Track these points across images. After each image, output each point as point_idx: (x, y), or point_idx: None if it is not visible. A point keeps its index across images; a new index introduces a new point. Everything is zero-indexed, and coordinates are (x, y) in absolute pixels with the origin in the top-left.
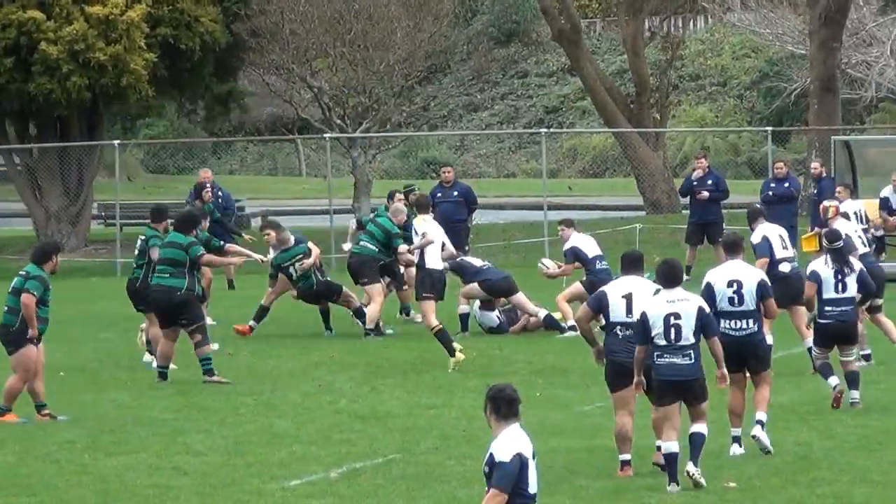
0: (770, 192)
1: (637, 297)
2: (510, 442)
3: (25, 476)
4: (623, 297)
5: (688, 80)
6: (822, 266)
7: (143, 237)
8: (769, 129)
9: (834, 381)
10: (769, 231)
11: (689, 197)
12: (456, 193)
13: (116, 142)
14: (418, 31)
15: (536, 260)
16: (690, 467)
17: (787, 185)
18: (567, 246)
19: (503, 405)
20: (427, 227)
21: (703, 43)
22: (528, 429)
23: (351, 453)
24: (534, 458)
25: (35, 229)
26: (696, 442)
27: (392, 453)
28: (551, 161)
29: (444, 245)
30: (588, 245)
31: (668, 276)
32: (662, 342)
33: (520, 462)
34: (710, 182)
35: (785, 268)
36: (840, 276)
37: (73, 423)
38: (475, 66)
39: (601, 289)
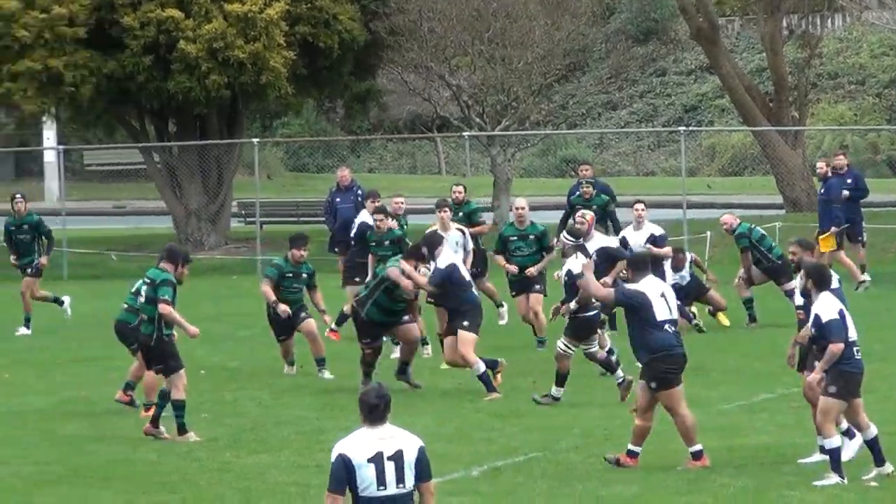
0: None
1: (669, 294)
2: (341, 442)
3: (167, 473)
4: (661, 296)
5: (826, 78)
6: None
7: None
8: None
9: None
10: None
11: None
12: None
13: (255, 140)
14: (556, 29)
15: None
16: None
17: None
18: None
19: (363, 408)
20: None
21: (842, 41)
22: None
23: (491, 451)
24: (391, 459)
25: (175, 227)
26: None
27: (533, 451)
28: (690, 159)
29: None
30: None
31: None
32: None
33: (342, 462)
34: (849, 181)
35: None
36: None
37: (214, 421)
38: (613, 64)
39: (637, 289)
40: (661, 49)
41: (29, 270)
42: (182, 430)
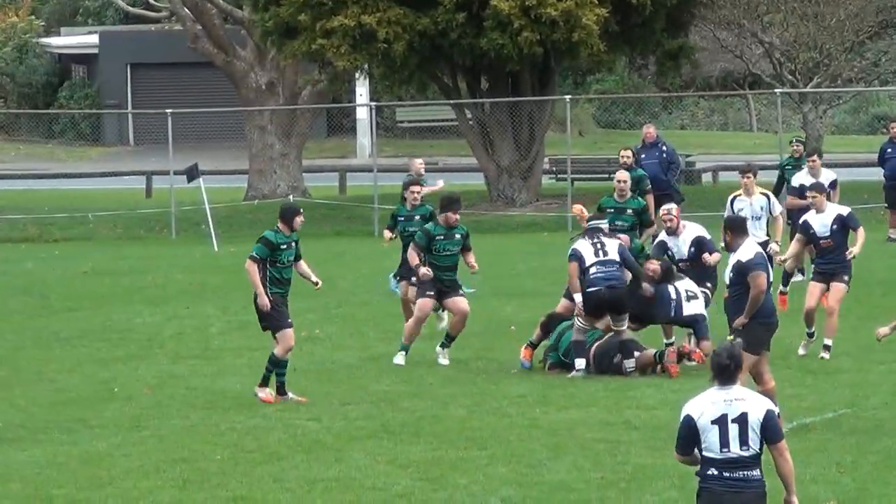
0: None
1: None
2: (689, 402)
3: (477, 429)
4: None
5: None
6: None
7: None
8: None
9: None
10: None
11: None
12: None
13: (567, 97)
14: None
15: None
16: None
17: None
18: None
19: (714, 367)
20: None
21: None
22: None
23: (801, 408)
24: (735, 422)
25: (487, 184)
26: None
27: (842, 408)
28: None
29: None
30: None
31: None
32: None
33: (687, 424)
34: None
35: None
36: None
37: (523, 377)
38: None
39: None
40: None
41: None
42: (281, 390)
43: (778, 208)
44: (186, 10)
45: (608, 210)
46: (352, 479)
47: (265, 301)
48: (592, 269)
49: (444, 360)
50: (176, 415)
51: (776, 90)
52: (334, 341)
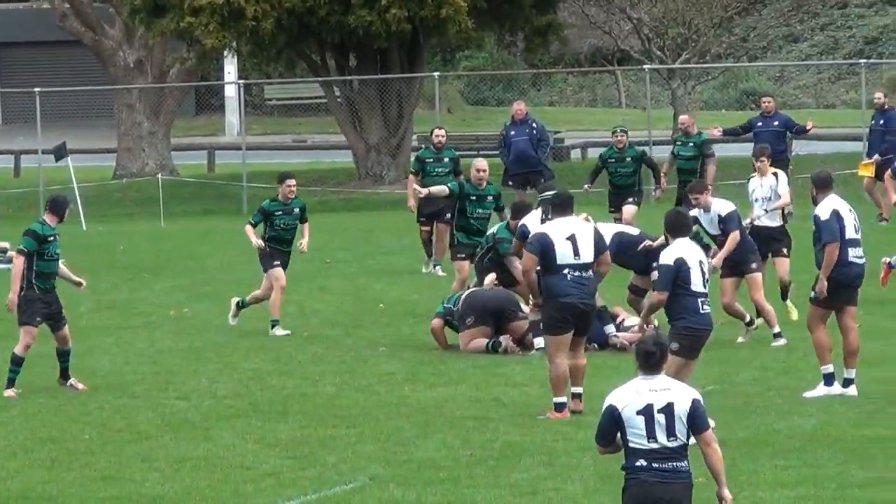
0: None
1: (581, 235)
2: (613, 392)
3: (345, 407)
4: (567, 239)
5: None
6: None
7: None
8: None
9: None
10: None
11: None
12: (777, 123)
13: (436, 74)
14: None
15: (855, 191)
16: None
17: None
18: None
19: (639, 356)
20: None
21: None
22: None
23: None
24: (662, 412)
25: (355, 161)
26: None
27: (711, 384)
28: (871, 92)
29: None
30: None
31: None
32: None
33: (610, 414)
34: None
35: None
36: None
37: (391, 354)
38: None
39: (542, 230)
40: None
41: None
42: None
43: (785, 187)
44: None
45: (609, 160)
46: (220, 457)
47: (14, 300)
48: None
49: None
50: (44, 394)
51: (645, 66)
52: (203, 319)
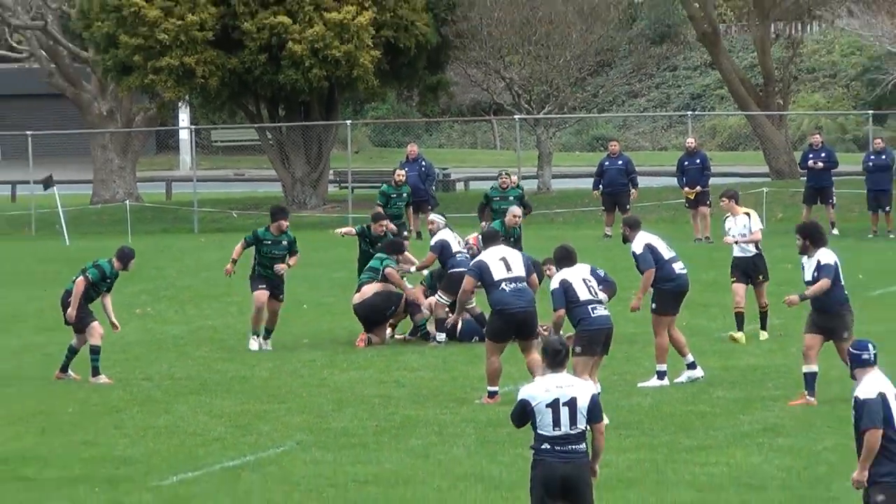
0: (870, 163)
1: (511, 258)
2: (525, 387)
3: (276, 388)
4: (500, 259)
5: (805, 72)
6: None
7: None
8: (870, 112)
9: None
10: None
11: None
12: (620, 163)
13: (349, 122)
14: (590, 33)
15: (686, 217)
16: None
17: (883, 157)
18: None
19: (547, 353)
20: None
21: (818, 43)
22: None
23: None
24: (566, 405)
25: (283, 191)
26: None
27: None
28: (695, 137)
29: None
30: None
31: (564, 258)
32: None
33: (522, 406)
34: (823, 154)
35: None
36: None
37: (313, 345)
38: (635, 61)
39: (478, 258)
40: (673, 49)
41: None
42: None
43: (757, 226)
44: (42, 51)
45: (494, 198)
46: (177, 426)
47: (73, 314)
48: (503, 285)
49: (260, 346)
50: (36, 376)
51: (515, 116)
52: (163, 317)
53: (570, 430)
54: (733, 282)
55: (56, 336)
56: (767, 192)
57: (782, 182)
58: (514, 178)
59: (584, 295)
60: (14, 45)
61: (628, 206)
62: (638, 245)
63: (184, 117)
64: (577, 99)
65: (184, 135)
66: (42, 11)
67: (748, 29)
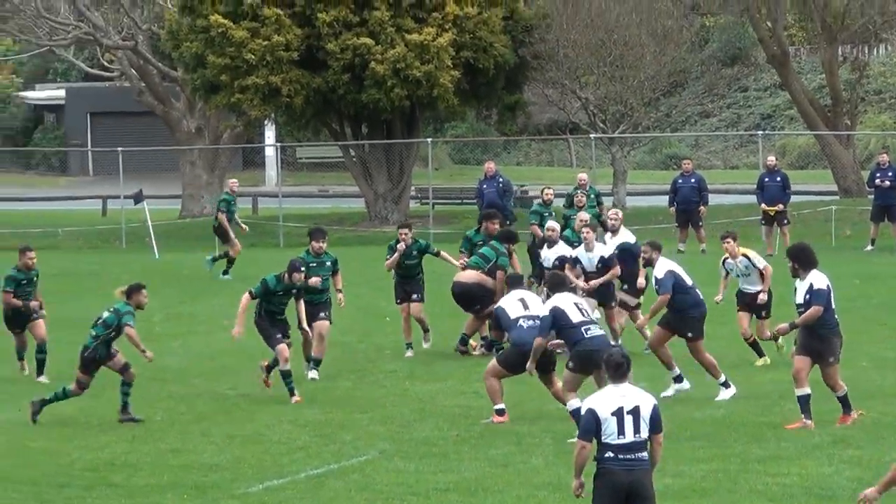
0: None
1: (529, 298)
2: (590, 398)
3: (360, 398)
4: (518, 300)
5: (872, 94)
6: None
7: None
8: None
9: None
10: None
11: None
12: (693, 181)
13: (429, 140)
14: (663, 55)
15: (757, 233)
16: None
17: None
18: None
19: (609, 366)
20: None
21: (884, 65)
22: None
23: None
24: (630, 413)
25: (366, 207)
26: None
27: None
28: (776, 156)
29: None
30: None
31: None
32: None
33: (591, 415)
34: (890, 173)
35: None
36: None
37: (395, 357)
38: (707, 82)
39: (499, 305)
40: (744, 70)
41: None
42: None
43: (762, 263)
44: (133, 70)
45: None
46: (262, 434)
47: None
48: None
49: (313, 375)
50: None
51: (591, 135)
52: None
53: (635, 437)
54: (738, 310)
55: (146, 347)
56: (836, 210)
57: (850, 200)
58: (550, 191)
59: (576, 317)
60: (106, 64)
61: (701, 223)
62: (660, 270)
63: (269, 134)
64: (651, 118)
65: (269, 151)
66: (132, 32)
67: (817, 51)
